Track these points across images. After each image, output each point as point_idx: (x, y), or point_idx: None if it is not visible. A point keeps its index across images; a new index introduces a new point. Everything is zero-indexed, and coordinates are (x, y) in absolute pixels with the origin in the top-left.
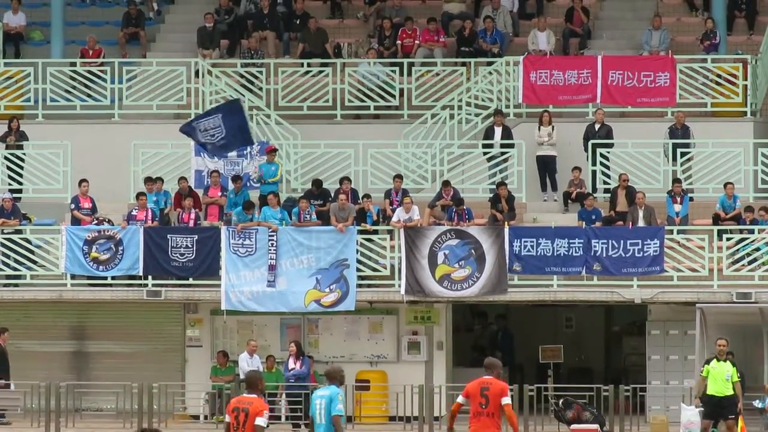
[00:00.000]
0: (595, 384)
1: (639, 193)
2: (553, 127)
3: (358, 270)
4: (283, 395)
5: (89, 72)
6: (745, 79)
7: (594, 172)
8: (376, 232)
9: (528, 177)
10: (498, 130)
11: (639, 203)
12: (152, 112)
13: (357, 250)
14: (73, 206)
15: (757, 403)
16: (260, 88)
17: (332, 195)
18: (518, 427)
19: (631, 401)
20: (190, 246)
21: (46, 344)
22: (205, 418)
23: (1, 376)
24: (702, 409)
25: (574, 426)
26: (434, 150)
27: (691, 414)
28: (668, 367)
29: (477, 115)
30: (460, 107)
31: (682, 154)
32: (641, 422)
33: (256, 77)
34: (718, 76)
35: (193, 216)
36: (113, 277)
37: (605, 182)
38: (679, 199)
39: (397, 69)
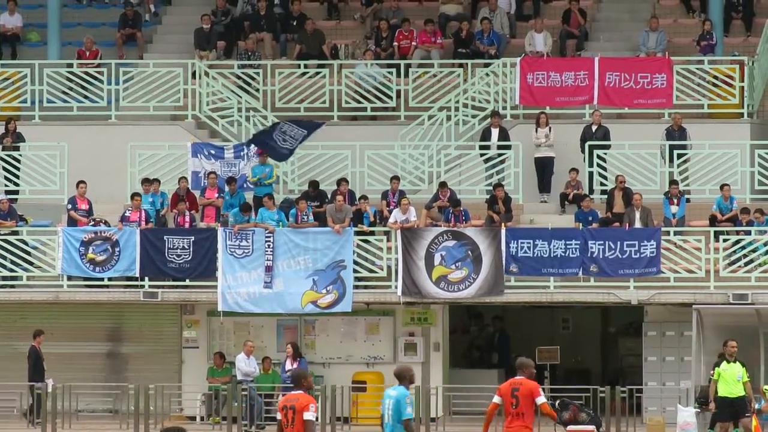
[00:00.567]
0: (591, 385)
1: (636, 194)
2: (550, 128)
3: (355, 271)
4: (280, 396)
5: (86, 73)
6: (742, 81)
7: (591, 174)
8: (372, 233)
9: (525, 178)
10: (495, 132)
11: (636, 204)
12: (149, 114)
13: (354, 252)
14: (70, 207)
15: (755, 404)
16: (257, 90)
17: (329, 196)
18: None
19: (627, 402)
20: (186, 247)
21: (45, 345)
22: (202, 419)
23: (36, 378)
24: (713, 411)
25: (570, 427)
26: (431, 151)
27: (687, 415)
28: (665, 369)
29: (474, 116)
30: (457, 108)
31: (679, 156)
32: (638, 423)
33: (253, 78)
34: (715, 77)
35: (188, 219)
36: (110, 279)
37: (602, 183)
38: (675, 201)
39: (394, 70)
